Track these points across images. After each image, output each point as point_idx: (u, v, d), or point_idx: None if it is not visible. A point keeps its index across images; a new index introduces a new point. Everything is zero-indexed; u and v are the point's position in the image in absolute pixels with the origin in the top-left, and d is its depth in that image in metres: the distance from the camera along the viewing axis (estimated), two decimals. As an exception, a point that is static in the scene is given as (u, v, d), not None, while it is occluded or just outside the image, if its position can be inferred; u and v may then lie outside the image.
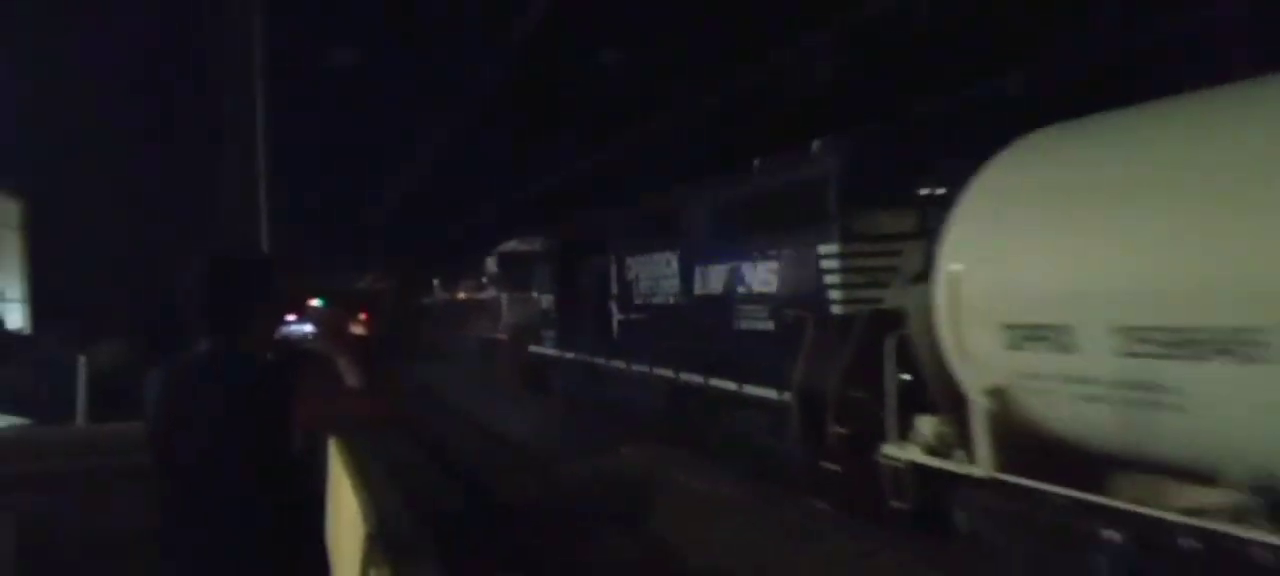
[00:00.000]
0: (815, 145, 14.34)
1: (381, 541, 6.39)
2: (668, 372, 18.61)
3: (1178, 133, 7.96)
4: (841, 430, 12.34)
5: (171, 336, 4.39)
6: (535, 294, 29.74)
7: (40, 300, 31.66)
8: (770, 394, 14.65)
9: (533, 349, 28.71)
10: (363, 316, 64.63)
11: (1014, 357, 9.04)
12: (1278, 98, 7.44)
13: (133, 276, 25.46)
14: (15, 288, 32.54)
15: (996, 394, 9.32)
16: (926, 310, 10.28)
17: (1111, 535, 8.25)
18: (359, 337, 60.56)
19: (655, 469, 16.81)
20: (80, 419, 18.96)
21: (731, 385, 16.10)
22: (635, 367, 20.45)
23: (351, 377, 4.56)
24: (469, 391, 32.01)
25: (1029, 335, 8.80)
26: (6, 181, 30.74)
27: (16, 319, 31.68)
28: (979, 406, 9.50)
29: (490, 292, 36.82)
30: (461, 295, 44.20)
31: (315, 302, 48.50)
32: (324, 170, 45.34)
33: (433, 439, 23.12)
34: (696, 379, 17.42)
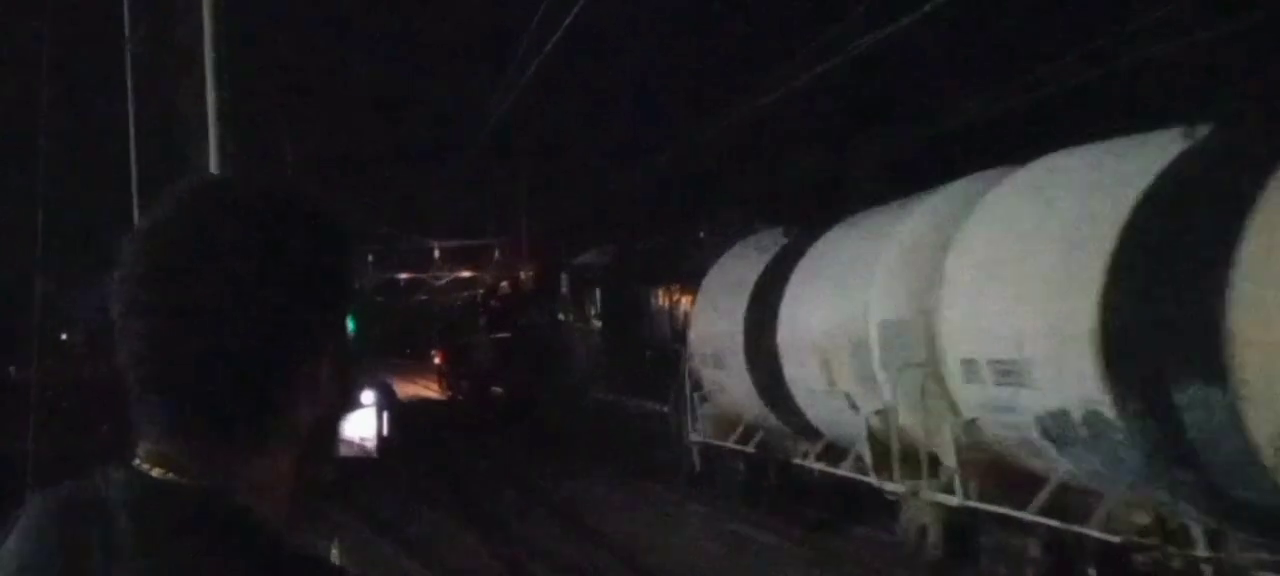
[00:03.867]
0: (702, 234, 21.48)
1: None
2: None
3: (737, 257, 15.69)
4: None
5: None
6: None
7: None
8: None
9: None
10: (439, 358, 41.05)
11: (703, 371, 16.53)
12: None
13: None
14: None
15: (703, 391, 16.84)
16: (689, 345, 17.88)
17: (738, 461, 15.83)
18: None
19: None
20: None
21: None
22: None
23: None
24: None
25: (702, 360, 16.29)
26: None
27: None
28: (696, 398, 17.01)
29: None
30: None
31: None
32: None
33: None
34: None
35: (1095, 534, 9.06)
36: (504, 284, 36.68)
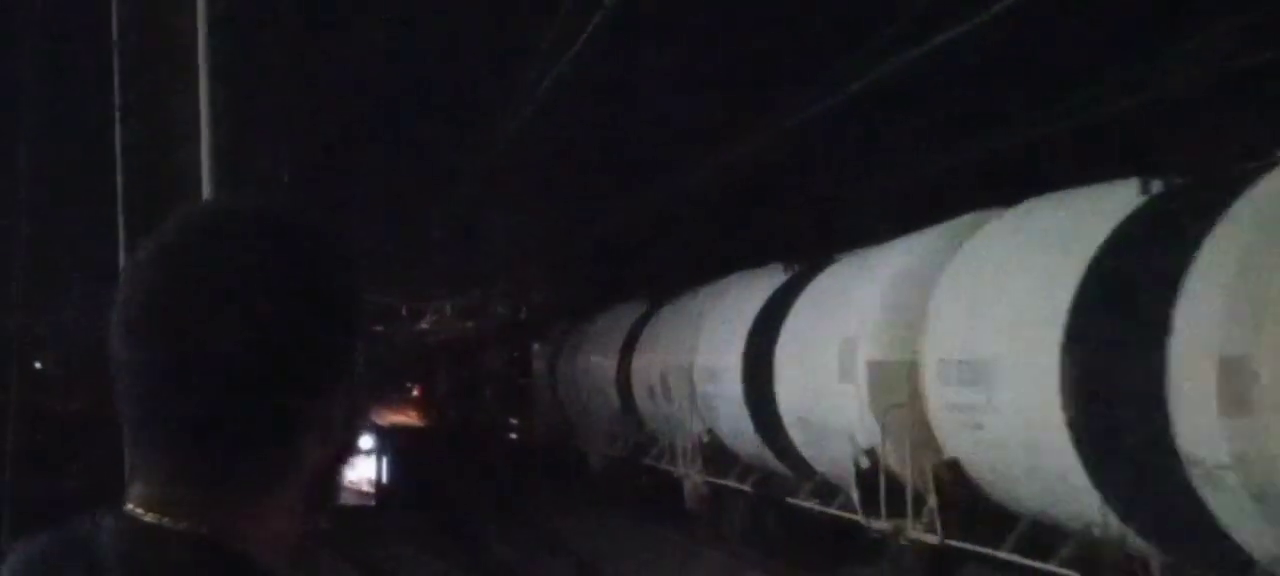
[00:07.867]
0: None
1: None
2: None
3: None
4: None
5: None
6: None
7: None
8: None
9: None
10: (418, 391, 51.33)
11: (539, 397, 24.55)
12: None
13: None
14: None
15: (540, 407, 23.87)
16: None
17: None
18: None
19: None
20: None
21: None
22: None
23: None
24: None
25: (538, 388, 25.86)
26: None
27: None
28: (538, 411, 26.50)
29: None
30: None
31: None
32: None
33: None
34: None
35: None
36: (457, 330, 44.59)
